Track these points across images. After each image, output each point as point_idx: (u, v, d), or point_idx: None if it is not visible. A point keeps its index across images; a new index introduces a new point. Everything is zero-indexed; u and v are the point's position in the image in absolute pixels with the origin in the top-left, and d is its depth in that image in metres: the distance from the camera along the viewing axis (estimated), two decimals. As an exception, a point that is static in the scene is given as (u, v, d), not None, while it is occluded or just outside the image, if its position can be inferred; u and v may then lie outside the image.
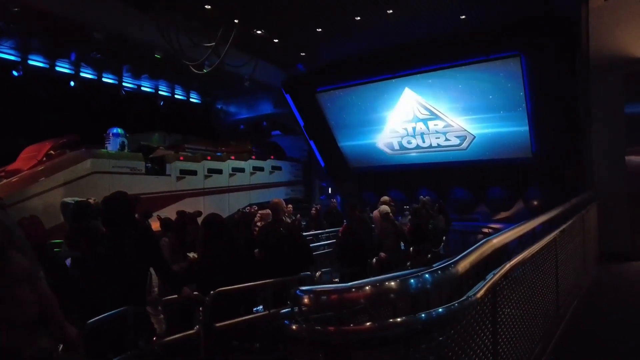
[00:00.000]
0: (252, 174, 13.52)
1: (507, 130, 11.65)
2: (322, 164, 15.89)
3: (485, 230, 11.37)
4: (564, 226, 4.09)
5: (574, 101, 9.60)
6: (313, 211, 10.19)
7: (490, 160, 12.76)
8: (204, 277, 3.77)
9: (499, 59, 10.64)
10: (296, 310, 1.90)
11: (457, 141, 12.70)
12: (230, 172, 12.70)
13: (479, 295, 1.96)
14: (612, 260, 6.54)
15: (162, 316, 3.94)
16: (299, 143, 16.43)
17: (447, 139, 12.83)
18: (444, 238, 8.54)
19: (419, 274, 1.81)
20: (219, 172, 12.37)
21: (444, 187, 13.97)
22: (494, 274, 2.24)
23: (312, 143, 15.47)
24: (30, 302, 1.76)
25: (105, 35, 9.55)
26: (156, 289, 3.95)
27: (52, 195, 8.47)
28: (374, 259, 6.00)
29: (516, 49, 10.36)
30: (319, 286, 2.56)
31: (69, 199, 5.36)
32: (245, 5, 8.81)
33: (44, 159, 9.34)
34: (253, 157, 13.83)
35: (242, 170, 13.23)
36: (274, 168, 14.64)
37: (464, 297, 1.89)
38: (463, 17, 9.76)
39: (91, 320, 2.55)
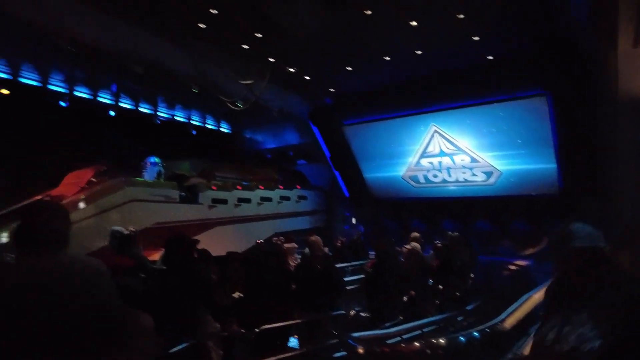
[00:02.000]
0: (279, 203, 13.80)
1: (535, 167, 11.64)
2: (347, 194, 16.08)
3: (512, 266, 11.22)
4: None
5: (601, 140, 9.61)
6: (338, 243, 10.28)
7: (516, 196, 12.71)
8: (247, 314, 3.98)
9: (525, 97, 10.76)
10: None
11: (484, 176, 12.73)
12: (259, 201, 13.01)
13: (525, 352, 2.08)
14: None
15: (221, 352, 4.12)
16: (322, 172, 16.70)
17: (473, 174, 12.87)
18: (471, 275, 8.51)
19: (469, 332, 1.96)
20: (248, 201, 12.69)
21: (468, 219, 13.91)
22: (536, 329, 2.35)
23: (337, 173, 15.73)
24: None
25: (145, 69, 10.16)
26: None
27: (91, 222, 8.89)
28: (405, 297, 6.07)
29: (543, 87, 10.47)
30: (368, 333, 2.72)
31: (118, 228, 5.71)
32: (281, 45, 9.29)
33: (86, 185, 9.81)
34: (280, 186, 14.12)
35: (269, 199, 13.53)
36: (300, 197, 14.90)
37: (511, 355, 2.03)
38: (490, 57, 10.00)
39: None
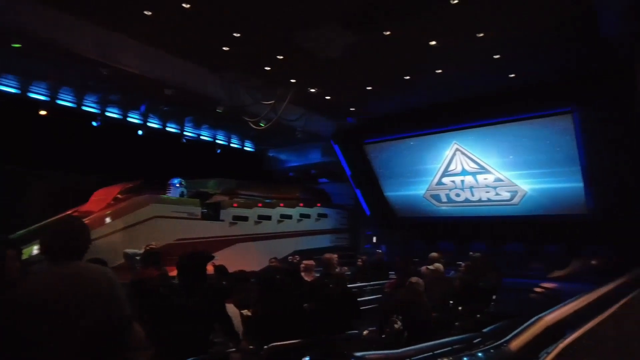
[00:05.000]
0: (299, 220, 13.85)
1: (561, 186, 11.31)
2: (368, 212, 15.99)
3: (539, 289, 10.80)
4: (625, 299, 3.93)
5: (631, 157, 9.28)
6: (359, 262, 10.18)
7: (543, 216, 12.33)
8: (258, 332, 3.99)
9: (550, 115, 10.55)
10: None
11: (508, 195, 12.44)
12: (279, 218, 13.10)
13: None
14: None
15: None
16: (345, 190, 16.70)
17: (497, 194, 12.60)
18: (494, 297, 8.24)
19: (473, 352, 1.92)
20: (268, 218, 12.80)
21: (497, 240, 13.52)
22: (548, 353, 2.27)
23: (358, 192, 15.71)
24: None
25: (174, 91, 10.56)
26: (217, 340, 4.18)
27: (116, 237, 9.19)
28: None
29: (568, 105, 10.26)
30: (372, 353, 2.69)
31: (130, 250, 5.92)
32: (303, 67, 9.50)
33: (112, 202, 10.17)
34: (301, 204, 14.20)
35: (289, 217, 13.60)
36: (320, 215, 14.91)
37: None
38: (512, 75, 9.90)
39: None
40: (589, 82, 9.73)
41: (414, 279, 5.07)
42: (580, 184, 10.95)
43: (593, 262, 11.74)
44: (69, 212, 10.19)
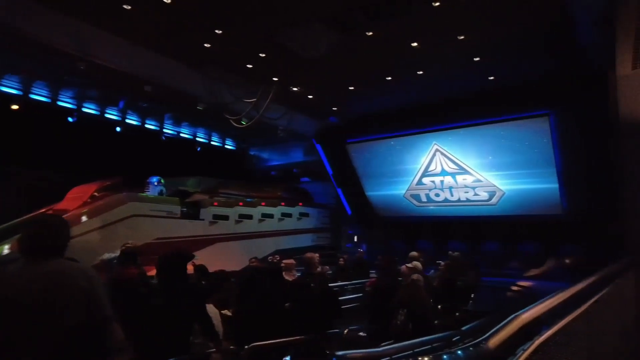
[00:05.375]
0: (280, 220, 13.80)
1: (537, 187, 11.60)
2: (349, 211, 16.07)
3: (515, 287, 11.07)
4: (596, 297, 4.06)
5: (604, 160, 9.60)
6: (341, 261, 10.21)
7: (520, 216, 12.63)
8: (239, 332, 3.96)
9: (527, 118, 10.81)
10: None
11: (487, 196, 12.68)
12: (260, 217, 13.02)
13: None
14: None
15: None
16: (327, 189, 16.74)
17: (476, 194, 12.84)
18: (472, 295, 8.40)
19: (453, 350, 1.95)
20: (249, 217, 12.71)
21: (475, 240, 13.80)
22: (524, 350, 2.32)
23: (339, 191, 15.77)
24: None
25: (154, 87, 10.36)
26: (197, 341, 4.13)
27: (93, 236, 8.96)
28: (402, 317, 6.00)
29: (545, 108, 10.53)
30: (353, 352, 2.70)
31: (107, 256, 5.80)
32: (285, 65, 9.47)
33: (89, 200, 9.92)
34: (282, 203, 14.15)
35: (271, 216, 13.54)
36: (302, 215, 14.89)
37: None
38: (491, 78, 10.10)
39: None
40: (565, 87, 10.01)
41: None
42: (556, 185, 11.26)
43: (567, 261, 12.10)
44: (42, 210, 9.90)
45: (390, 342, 4.82)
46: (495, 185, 12.37)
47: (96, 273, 1.98)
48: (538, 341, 2.52)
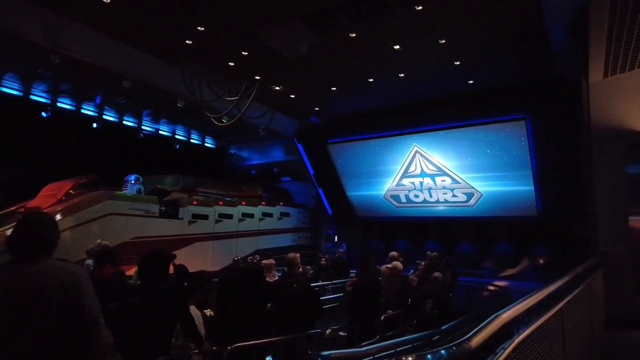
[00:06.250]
0: (261, 219, 13.72)
1: (514, 189, 11.92)
2: (330, 211, 16.13)
3: (491, 287, 11.35)
4: (570, 297, 4.20)
5: (577, 164, 9.93)
6: (322, 261, 10.24)
7: (496, 217, 12.94)
8: (220, 332, 3.93)
9: (504, 121, 11.08)
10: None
11: (465, 197, 12.95)
12: (240, 217, 12.91)
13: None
14: (620, 326, 6.53)
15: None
16: (307, 189, 16.75)
17: (454, 195, 13.09)
18: (450, 294, 8.56)
19: (435, 350, 1.99)
20: (230, 217, 12.59)
21: (451, 240, 14.09)
22: (504, 349, 2.39)
23: (320, 191, 15.81)
24: None
25: (133, 83, 10.13)
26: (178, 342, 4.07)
27: (68, 235, 8.68)
28: (382, 316, 6.07)
29: (521, 112, 10.82)
30: (338, 352, 2.72)
31: (89, 261, 5.68)
32: (267, 64, 9.42)
33: (64, 197, 9.61)
34: (263, 202, 14.08)
35: (251, 215, 13.44)
36: (283, 214, 14.84)
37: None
38: (471, 82, 10.31)
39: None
40: (541, 92, 10.32)
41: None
42: (532, 188, 11.58)
43: (540, 261, 12.50)
44: (13, 208, 9.56)
45: (371, 341, 4.88)
46: (473, 187, 12.63)
47: (86, 274, 1.92)
48: (517, 340, 2.59)
